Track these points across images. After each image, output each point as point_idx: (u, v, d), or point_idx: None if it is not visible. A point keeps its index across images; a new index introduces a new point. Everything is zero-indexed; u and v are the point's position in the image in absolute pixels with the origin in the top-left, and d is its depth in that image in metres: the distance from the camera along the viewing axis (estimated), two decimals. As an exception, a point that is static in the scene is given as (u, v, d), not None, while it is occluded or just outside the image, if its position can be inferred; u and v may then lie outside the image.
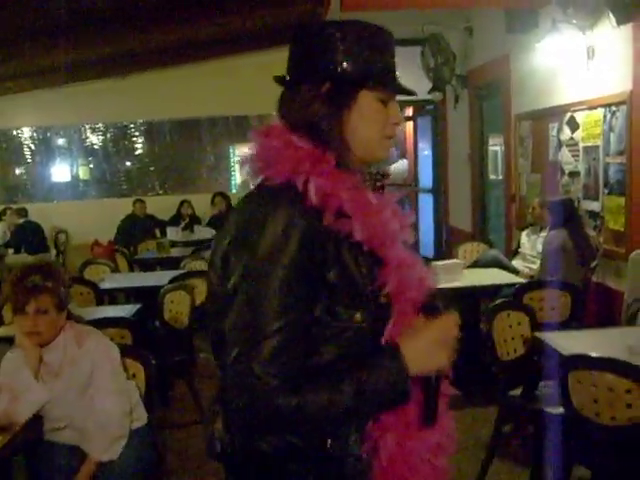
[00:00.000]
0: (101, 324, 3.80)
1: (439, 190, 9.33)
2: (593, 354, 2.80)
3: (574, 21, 4.90)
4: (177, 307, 4.73)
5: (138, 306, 4.62)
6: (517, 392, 3.57)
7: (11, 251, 8.72)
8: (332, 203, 1.27)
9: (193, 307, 4.67)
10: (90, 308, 4.83)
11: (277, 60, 7.95)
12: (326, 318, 1.27)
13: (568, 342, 3.24)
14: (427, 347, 1.33)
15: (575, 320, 4.33)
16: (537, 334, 3.46)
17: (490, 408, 4.13)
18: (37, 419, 2.75)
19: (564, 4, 4.89)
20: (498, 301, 3.75)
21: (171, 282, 5.03)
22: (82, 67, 8.79)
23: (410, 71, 8.73)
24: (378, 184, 1.51)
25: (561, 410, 3.10)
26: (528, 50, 6.00)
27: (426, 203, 9.86)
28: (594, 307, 5.04)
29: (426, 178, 9.86)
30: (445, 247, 8.97)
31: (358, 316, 1.29)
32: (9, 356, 2.81)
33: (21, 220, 9.00)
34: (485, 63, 7.35)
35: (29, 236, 8.79)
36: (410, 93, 1.43)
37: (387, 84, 1.40)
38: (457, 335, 1.37)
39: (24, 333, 2.71)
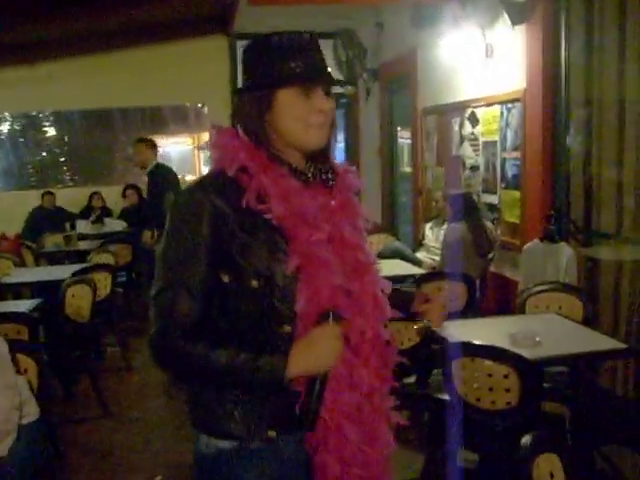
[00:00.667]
0: (-2, 320, 3.74)
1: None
2: (475, 342, 2.94)
3: (472, 19, 5.06)
4: (78, 301, 4.66)
5: (38, 301, 4.54)
6: (411, 379, 3.70)
7: None
8: (253, 185, 1.49)
9: (94, 301, 4.62)
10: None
11: (189, 51, 7.95)
12: (232, 285, 1.48)
13: (458, 330, 3.36)
14: (312, 350, 1.44)
15: (471, 310, 4.48)
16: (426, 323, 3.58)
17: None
18: None
19: (462, 3, 5.04)
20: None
21: (74, 275, 4.94)
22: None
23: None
24: (324, 177, 1.60)
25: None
26: (432, 45, 6.16)
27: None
28: (492, 296, 5.24)
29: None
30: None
31: (255, 283, 1.47)
32: None
33: None
34: (394, 57, 7.49)
35: None
36: (330, 82, 1.56)
37: (300, 80, 1.51)
38: (340, 345, 1.47)
39: None
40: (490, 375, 2.83)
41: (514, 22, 4.74)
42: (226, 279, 1.49)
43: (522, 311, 3.93)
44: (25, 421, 2.87)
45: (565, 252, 4.36)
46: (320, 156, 1.62)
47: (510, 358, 2.78)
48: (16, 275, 5.55)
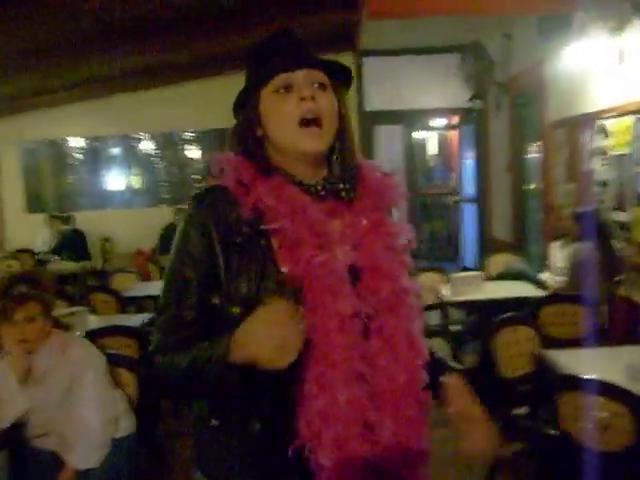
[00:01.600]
0: (109, 333, 3.86)
1: (481, 199, 9.15)
2: (585, 375, 2.67)
3: (603, 25, 4.72)
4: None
5: (151, 315, 4.65)
6: (522, 410, 3.45)
7: (57, 258, 8.93)
8: (249, 197, 1.37)
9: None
10: (107, 316, 4.89)
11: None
12: (220, 308, 1.37)
13: (574, 360, 3.10)
14: (251, 331, 1.25)
15: (595, 336, 4.14)
16: (542, 351, 3.33)
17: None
18: (19, 425, 2.79)
19: (588, 8, 4.72)
20: (504, 315, 3.61)
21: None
22: (131, 77, 8.99)
23: (450, 79, 8.64)
24: (334, 188, 1.42)
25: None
26: (560, 55, 5.83)
27: (469, 213, 9.69)
28: (619, 322, 4.82)
29: (470, 187, 9.69)
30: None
31: (236, 310, 1.34)
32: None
33: (64, 227, 9.23)
34: (522, 70, 7.17)
35: (71, 243, 8.99)
36: (288, 66, 1.40)
37: (272, 71, 1.40)
38: (283, 329, 1.22)
39: (13, 341, 2.75)
40: (601, 413, 2.55)
41: (647, 25, 4.37)
42: (216, 300, 1.38)
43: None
44: (120, 434, 2.92)
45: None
46: (327, 162, 1.46)
47: (621, 395, 2.50)
48: (138, 289, 5.76)
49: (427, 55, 8.93)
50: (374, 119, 9.33)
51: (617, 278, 4.65)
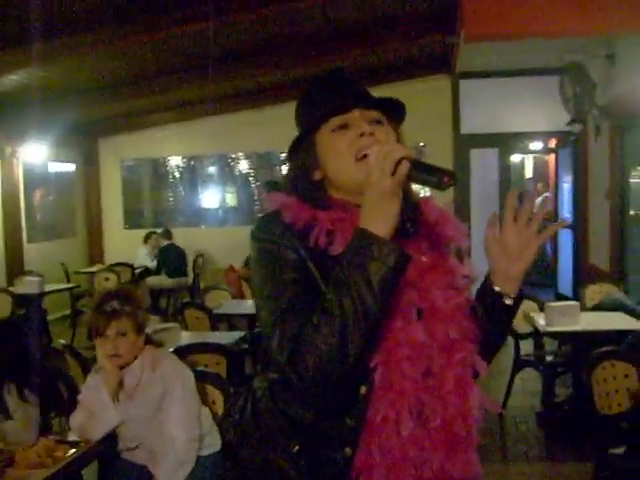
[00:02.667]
0: (196, 349, 3.93)
1: (579, 225, 8.85)
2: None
3: None
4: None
5: (243, 333, 4.71)
6: (619, 450, 3.28)
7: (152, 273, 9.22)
8: (320, 223, 1.37)
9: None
10: (199, 332, 4.98)
11: (411, 91, 8.04)
12: None
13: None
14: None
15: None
16: (642, 388, 3.17)
17: (586, 465, 3.81)
18: (111, 437, 2.86)
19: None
20: (602, 349, 3.45)
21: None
22: (227, 99, 9.25)
23: (548, 101, 8.42)
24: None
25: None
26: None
27: (566, 239, 9.39)
28: None
29: (567, 212, 9.40)
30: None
31: None
32: (93, 375, 2.96)
33: (165, 242, 9.51)
34: (626, 91, 6.90)
35: (171, 259, 9.25)
36: (343, 107, 1.40)
37: (326, 113, 1.41)
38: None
39: (105, 356, 2.84)
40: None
41: None
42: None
43: None
44: (205, 452, 2.95)
45: None
46: None
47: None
48: (229, 306, 5.85)
49: (524, 77, 8.77)
50: (470, 142, 9.21)
51: None
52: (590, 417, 3.34)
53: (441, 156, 9.39)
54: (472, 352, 1.41)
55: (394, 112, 1.48)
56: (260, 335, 1.79)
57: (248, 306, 6.03)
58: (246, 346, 4.82)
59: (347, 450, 1.34)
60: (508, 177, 9.60)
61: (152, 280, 8.86)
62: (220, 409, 3.22)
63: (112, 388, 2.82)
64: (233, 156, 10.53)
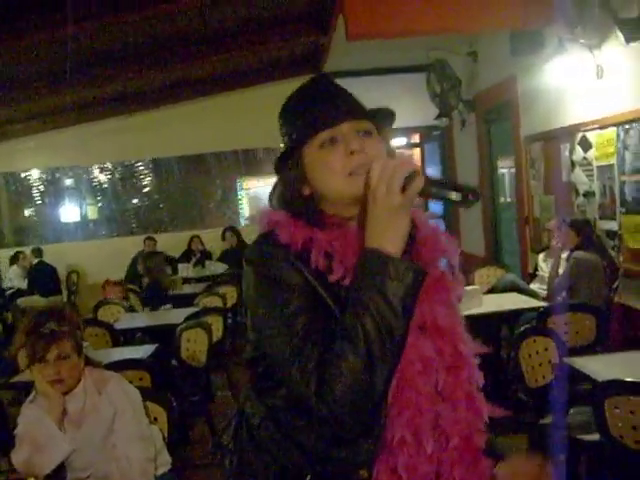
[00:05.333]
0: (119, 367, 3.74)
1: (449, 216, 9.28)
2: (628, 379, 2.72)
3: (582, 40, 4.87)
4: (194, 345, 4.66)
5: (155, 346, 4.55)
6: (546, 420, 3.48)
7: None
8: (317, 243, 1.30)
9: (210, 345, 4.60)
10: (106, 350, 4.76)
11: (281, 93, 7.95)
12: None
13: (599, 367, 3.16)
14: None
15: (600, 343, 4.23)
16: (566, 360, 3.38)
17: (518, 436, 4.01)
18: (59, 469, 2.67)
19: (572, 23, 4.86)
20: (523, 327, 3.66)
21: (186, 320, 4.96)
22: (88, 107, 8.84)
23: (416, 98, 8.76)
24: None
25: (595, 437, 3.03)
26: (535, 71, 5.98)
27: (437, 229, 9.79)
28: (618, 329, 4.94)
29: (436, 204, 9.80)
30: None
31: None
32: (29, 405, 2.74)
33: (36, 260, 8.99)
34: (491, 86, 7.34)
35: (42, 278, 8.76)
36: (331, 121, 1.32)
37: (313, 127, 1.33)
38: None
39: (46, 382, 2.64)
40: (632, 412, 2.60)
41: (628, 39, 4.52)
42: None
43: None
44: (159, 472, 2.83)
45: None
46: None
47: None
48: (127, 320, 5.63)
49: (392, 75, 9.06)
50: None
51: (614, 285, 4.76)
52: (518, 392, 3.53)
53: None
54: (475, 366, 1.40)
55: (383, 119, 1.42)
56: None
57: (144, 318, 5.85)
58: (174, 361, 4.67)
59: (363, 473, 1.31)
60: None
61: (25, 301, 8.33)
62: (164, 426, 3.10)
63: (57, 416, 2.63)
64: (96, 167, 10.11)
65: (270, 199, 1.43)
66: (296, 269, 1.28)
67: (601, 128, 5.10)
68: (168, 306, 6.34)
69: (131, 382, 3.55)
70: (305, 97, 1.39)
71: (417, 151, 11.03)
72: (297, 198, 1.37)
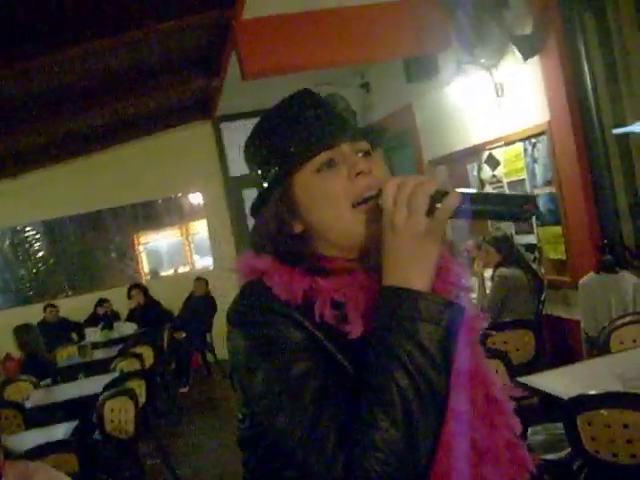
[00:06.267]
0: (40, 452, 3.36)
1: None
2: (593, 392, 2.64)
3: (482, 60, 4.93)
4: (119, 415, 4.29)
5: (75, 423, 4.15)
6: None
7: None
8: (319, 300, 1.07)
9: (138, 412, 4.25)
10: (20, 434, 4.30)
11: (175, 141, 7.74)
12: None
13: (556, 382, 3.08)
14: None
15: (539, 358, 4.19)
16: (520, 379, 3.28)
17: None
18: None
19: (469, 45, 4.92)
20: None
21: (107, 388, 4.57)
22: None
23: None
24: None
25: (561, 455, 2.95)
26: (433, 96, 6.04)
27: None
28: (551, 340, 4.96)
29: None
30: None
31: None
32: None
33: None
34: (387, 115, 7.38)
35: None
36: (331, 141, 1.11)
37: (309, 151, 1.11)
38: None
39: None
40: (626, 426, 2.52)
41: (525, 56, 4.61)
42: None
43: (606, 349, 3.64)
44: None
45: (629, 280, 4.11)
46: None
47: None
48: (36, 397, 5.15)
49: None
50: (240, 183, 9.21)
51: (542, 297, 4.77)
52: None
53: (215, 200, 9.31)
54: (511, 412, 1.19)
55: (377, 138, 1.23)
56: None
57: (58, 392, 5.38)
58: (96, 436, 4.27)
59: None
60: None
61: None
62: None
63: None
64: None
65: (252, 241, 1.19)
66: (297, 324, 1.05)
67: (507, 144, 5.17)
68: (48, 380, 6.12)
69: (56, 468, 3.21)
70: (292, 116, 1.15)
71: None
72: (287, 238, 1.13)
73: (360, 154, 1.13)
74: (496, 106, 5.17)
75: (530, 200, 0.96)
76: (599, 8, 4.24)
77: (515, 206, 0.96)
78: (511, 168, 5.19)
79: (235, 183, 9.19)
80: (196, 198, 9.65)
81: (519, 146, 5.02)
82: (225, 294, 8.74)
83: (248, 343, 1.06)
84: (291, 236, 1.13)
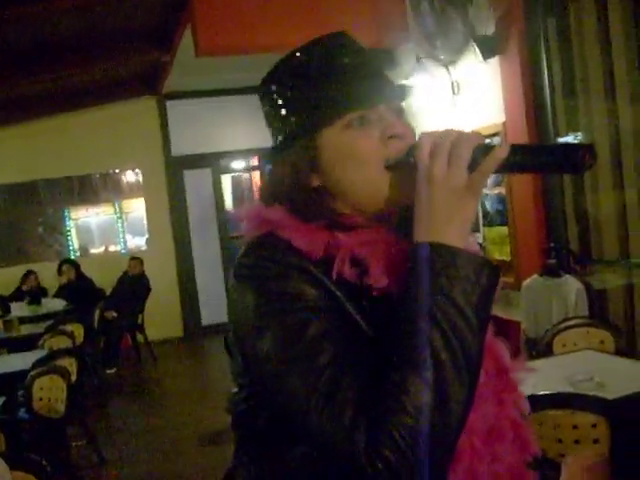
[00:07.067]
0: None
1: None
2: (541, 392, 2.65)
3: (442, 57, 4.93)
4: (49, 393, 4.10)
5: (2, 400, 3.95)
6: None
7: None
8: (342, 248, 1.00)
9: (69, 392, 4.08)
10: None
11: (118, 115, 7.47)
12: None
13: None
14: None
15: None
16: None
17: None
18: None
19: (431, 40, 4.91)
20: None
21: (36, 365, 4.37)
22: None
23: (258, 119, 8.58)
24: None
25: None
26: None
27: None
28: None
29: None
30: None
31: None
32: None
33: None
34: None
35: None
36: (371, 100, 1.04)
37: (344, 106, 1.03)
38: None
39: None
40: (575, 427, 2.54)
41: (485, 56, 4.63)
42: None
43: (549, 352, 3.69)
44: None
45: (572, 285, 4.18)
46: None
47: (596, 405, 2.51)
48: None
49: (233, 96, 8.85)
50: (182, 164, 9.02)
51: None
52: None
53: (155, 179, 9.09)
54: (519, 390, 1.12)
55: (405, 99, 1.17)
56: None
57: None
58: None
59: None
60: (222, 197, 9.64)
61: None
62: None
63: None
64: None
65: (261, 193, 1.12)
66: (315, 280, 0.97)
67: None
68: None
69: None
70: (327, 61, 1.06)
71: (256, 174, 10.89)
72: (305, 191, 1.06)
73: (394, 115, 1.05)
74: (451, 104, 5.19)
75: (590, 149, 0.88)
76: (562, 14, 4.29)
77: (574, 156, 0.88)
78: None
79: (177, 163, 9.00)
80: (134, 175, 9.39)
81: (471, 146, 5.05)
82: (161, 274, 8.59)
83: (258, 299, 0.97)
84: (308, 189, 1.06)
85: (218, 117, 8.99)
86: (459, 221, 0.93)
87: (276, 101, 1.09)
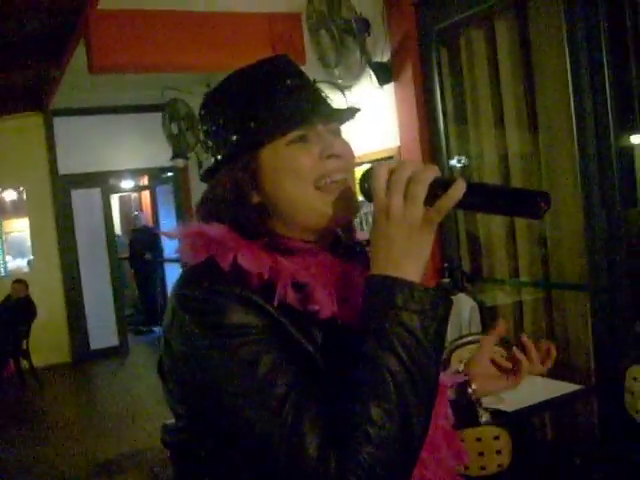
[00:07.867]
0: None
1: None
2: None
3: (340, 81, 5.04)
4: None
5: None
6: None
7: None
8: (283, 271, 1.03)
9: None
10: None
11: (7, 128, 7.13)
12: None
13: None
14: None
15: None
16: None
17: None
18: None
19: (329, 64, 5.01)
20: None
21: None
22: None
23: (150, 138, 8.46)
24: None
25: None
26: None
27: (174, 274, 9.54)
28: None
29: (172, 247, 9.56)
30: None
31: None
32: None
33: None
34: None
35: None
36: (309, 118, 1.09)
37: (286, 124, 1.07)
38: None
39: None
40: (479, 439, 2.64)
41: (381, 82, 4.77)
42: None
43: (447, 368, 3.81)
44: None
45: (466, 303, 4.36)
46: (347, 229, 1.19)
47: (498, 417, 2.63)
48: None
49: (125, 114, 8.68)
50: (70, 183, 8.73)
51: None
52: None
53: (40, 198, 8.73)
54: (447, 402, 1.22)
55: (345, 120, 1.22)
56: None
57: None
58: None
59: None
60: (111, 217, 9.40)
61: None
62: None
63: None
64: None
65: (198, 210, 1.13)
66: (259, 310, 0.97)
67: (356, 166, 5.30)
68: None
69: None
70: (269, 83, 1.10)
71: (146, 194, 10.72)
72: (246, 207, 1.08)
73: (331, 134, 1.10)
74: (347, 127, 5.29)
75: (545, 196, 0.91)
76: (453, 44, 4.50)
77: (530, 203, 0.91)
78: (357, 189, 5.33)
79: (64, 181, 8.70)
80: (16, 195, 8.99)
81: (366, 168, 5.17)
82: (46, 297, 8.21)
83: (204, 332, 0.97)
84: (249, 205, 1.08)
85: (108, 135, 8.78)
86: (416, 255, 0.96)
87: (218, 119, 1.12)
